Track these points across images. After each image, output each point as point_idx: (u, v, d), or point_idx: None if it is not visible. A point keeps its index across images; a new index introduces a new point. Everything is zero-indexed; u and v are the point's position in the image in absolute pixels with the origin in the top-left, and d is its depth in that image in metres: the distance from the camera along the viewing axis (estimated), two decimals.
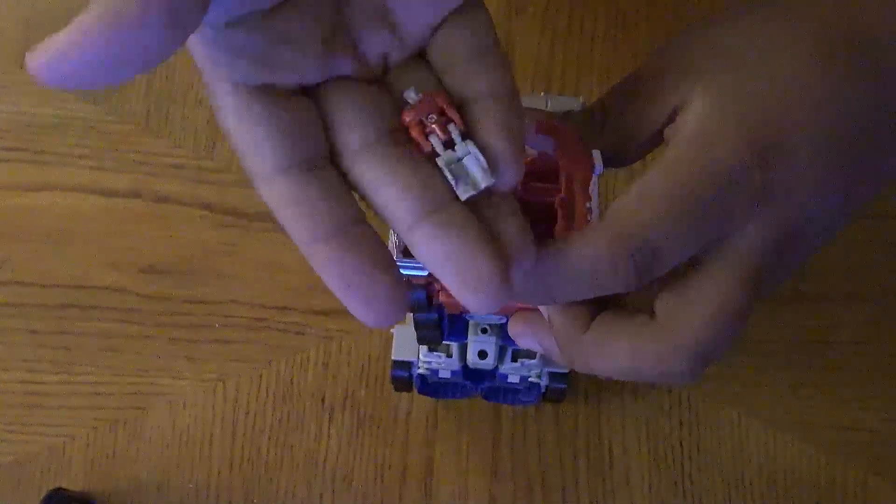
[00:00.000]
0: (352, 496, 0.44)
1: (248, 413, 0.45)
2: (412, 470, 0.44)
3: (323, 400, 0.45)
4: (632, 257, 0.25)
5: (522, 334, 0.33)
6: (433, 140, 0.24)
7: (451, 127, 0.24)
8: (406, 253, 0.25)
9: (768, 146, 0.26)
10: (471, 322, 0.37)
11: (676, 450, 0.44)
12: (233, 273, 0.47)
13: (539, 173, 0.29)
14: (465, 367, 0.39)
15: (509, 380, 0.40)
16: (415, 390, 0.42)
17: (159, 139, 0.49)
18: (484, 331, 0.37)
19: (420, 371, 0.40)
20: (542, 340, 0.32)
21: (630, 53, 0.50)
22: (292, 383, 0.45)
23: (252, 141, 0.23)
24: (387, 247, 0.24)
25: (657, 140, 0.29)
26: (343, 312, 0.46)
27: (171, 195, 0.47)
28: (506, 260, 0.23)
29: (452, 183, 0.23)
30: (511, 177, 0.24)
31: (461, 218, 0.23)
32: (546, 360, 0.38)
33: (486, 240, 0.23)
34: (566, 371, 0.40)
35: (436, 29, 0.25)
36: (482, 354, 0.38)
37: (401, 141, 0.24)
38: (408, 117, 0.24)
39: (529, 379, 0.40)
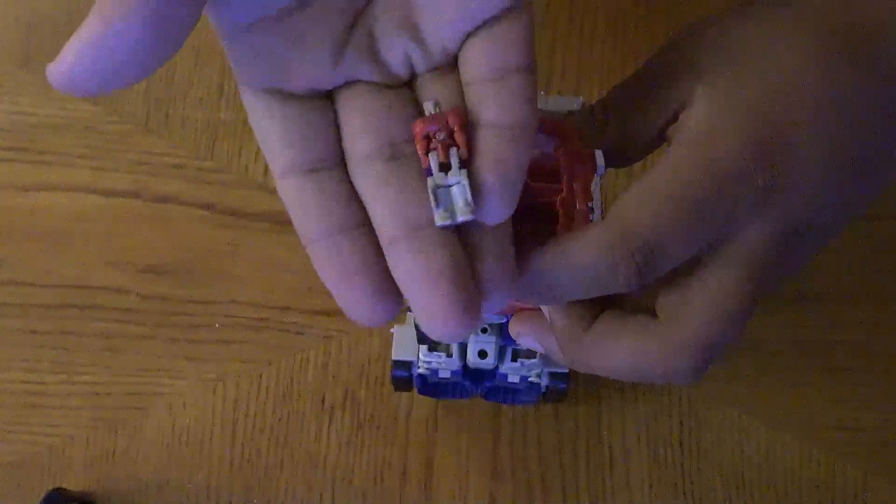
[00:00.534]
0: (352, 496, 0.44)
1: (248, 413, 0.45)
2: (412, 470, 0.44)
3: (323, 400, 0.45)
4: (633, 257, 0.25)
5: (523, 334, 0.33)
6: (432, 159, 0.24)
7: (453, 151, 0.24)
8: None
9: (771, 146, 0.26)
10: None
11: (676, 450, 0.44)
12: (233, 273, 0.47)
13: (541, 172, 0.29)
14: (465, 366, 0.39)
15: (509, 379, 0.40)
16: (415, 390, 0.42)
17: (159, 139, 0.49)
18: (484, 330, 0.37)
19: (420, 371, 0.40)
20: (544, 340, 0.32)
21: (630, 53, 0.50)
22: (292, 383, 0.45)
23: (267, 140, 0.24)
24: (377, 251, 0.24)
25: (660, 139, 0.29)
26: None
27: (171, 195, 0.47)
28: (471, 294, 0.23)
29: (433, 207, 0.23)
30: (495, 215, 0.24)
31: (434, 242, 0.23)
32: (546, 359, 0.38)
33: (455, 270, 0.23)
34: (566, 371, 0.40)
35: (467, 37, 0.24)
36: (482, 354, 0.38)
37: (404, 153, 0.24)
38: (417, 129, 0.24)
39: (529, 379, 0.40)
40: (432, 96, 0.25)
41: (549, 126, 0.28)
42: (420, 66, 0.25)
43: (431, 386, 0.42)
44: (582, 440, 0.44)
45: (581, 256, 0.26)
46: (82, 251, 0.47)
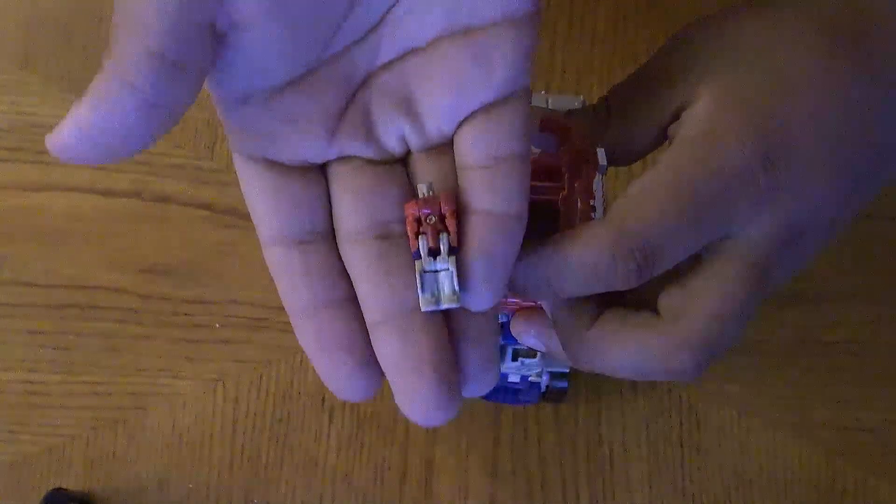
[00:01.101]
0: (352, 496, 0.44)
1: (248, 413, 0.45)
2: (412, 470, 0.44)
3: (323, 400, 0.45)
4: (632, 256, 0.25)
5: (526, 332, 0.33)
6: (421, 242, 0.23)
7: (443, 237, 0.23)
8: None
9: (773, 146, 0.26)
10: None
11: (676, 450, 0.44)
12: (233, 273, 0.47)
13: (543, 170, 0.29)
14: None
15: (510, 379, 0.40)
16: None
17: (159, 139, 0.49)
18: None
19: None
20: (546, 339, 0.32)
21: (630, 53, 0.50)
22: (292, 383, 0.45)
23: (256, 207, 0.24)
24: (362, 327, 0.24)
25: (661, 138, 0.29)
26: None
27: (171, 195, 0.47)
28: (454, 382, 0.23)
29: (419, 291, 0.23)
30: (480, 304, 0.24)
31: (419, 328, 0.23)
32: (546, 359, 0.38)
33: (438, 358, 0.23)
34: (567, 370, 0.40)
35: (464, 120, 0.24)
36: None
37: (394, 233, 0.24)
38: (408, 212, 0.24)
39: (530, 378, 0.40)
40: (426, 177, 0.25)
41: (552, 125, 0.28)
42: (415, 145, 0.25)
43: None
44: (582, 440, 0.44)
45: (581, 254, 0.26)
46: (82, 251, 0.47)
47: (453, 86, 0.24)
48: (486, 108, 0.24)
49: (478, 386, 0.24)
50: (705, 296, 0.26)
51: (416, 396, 0.23)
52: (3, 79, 0.49)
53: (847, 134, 0.26)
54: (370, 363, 0.24)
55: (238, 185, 0.23)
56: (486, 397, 0.42)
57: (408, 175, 0.25)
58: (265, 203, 0.24)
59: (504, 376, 0.40)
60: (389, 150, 0.25)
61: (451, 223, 0.23)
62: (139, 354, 0.46)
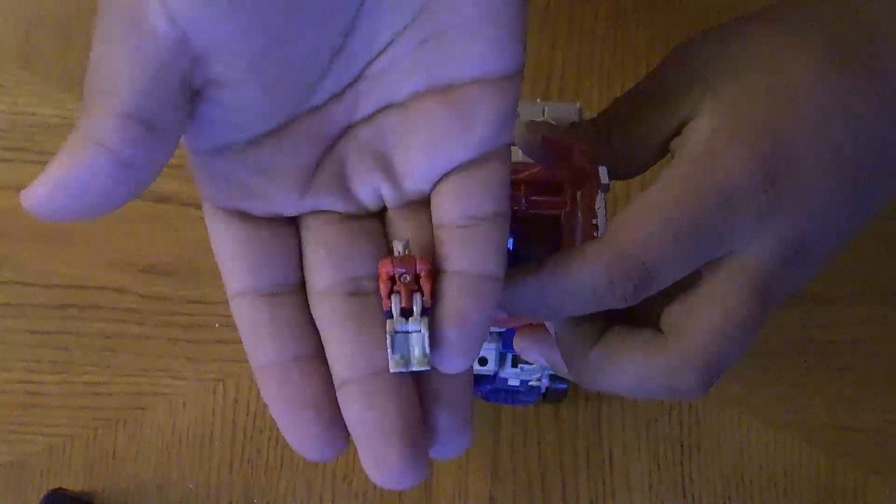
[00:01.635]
0: (352, 496, 0.44)
1: (248, 413, 0.45)
2: None
3: None
4: (629, 277, 0.25)
5: (529, 349, 0.32)
6: (394, 302, 0.23)
7: (416, 297, 0.23)
8: None
9: (776, 163, 0.25)
10: None
11: (676, 450, 0.44)
12: None
13: (543, 185, 0.29)
14: None
15: (510, 383, 0.40)
16: None
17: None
18: None
19: None
20: (549, 356, 0.32)
21: (630, 53, 0.50)
22: None
23: (224, 258, 0.24)
24: (329, 385, 0.23)
25: (663, 152, 0.28)
26: None
27: (171, 195, 0.47)
28: (421, 448, 0.23)
29: (389, 352, 0.23)
30: (453, 367, 0.23)
31: (388, 392, 0.23)
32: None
33: (406, 424, 0.22)
34: None
35: (441, 177, 0.24)
36: (482, 361, 0.37)
37: (366, 290, 0.24)
38: (382, 269, 0.23)
39: (530, 383, 0.40)
40: (402, 234, 0.24)
41: (553, 144, 0.28)
42: (391, 201, 0.24)
43: None
44: (582, 440, 0.44)
45: (578, 275, 0.26)
46: (82, 251, 0.47)
47: (431, 145, 0.23)
48: (465, 166, 0.24)
49: (449, 449, 0.24)
50: (708, 313, 0.26)
51: (381, 462, 0.22)
52: (3, 79, 0.49)
53: (850, 150, 0.26)
54: (337, 423, 0.23)
55: None
56: (487, 398, 0.42)
57: (383, 229, 0.25)
58: (235, 255, 0.24)
59: (503, 380, 0.40)
60: (364, 205, 0.24)
61: (425, 284, 0.23)
62: (139, 354, 0.46)
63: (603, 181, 0.27)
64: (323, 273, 0.24)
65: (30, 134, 0.48)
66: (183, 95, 0.21)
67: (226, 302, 0.49)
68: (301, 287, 0.24)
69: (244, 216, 0.24)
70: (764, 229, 0.26)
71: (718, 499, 0.44)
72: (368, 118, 0.24)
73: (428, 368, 0.23)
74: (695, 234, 0.25)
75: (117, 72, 0.20)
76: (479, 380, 0.40)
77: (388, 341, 0.23)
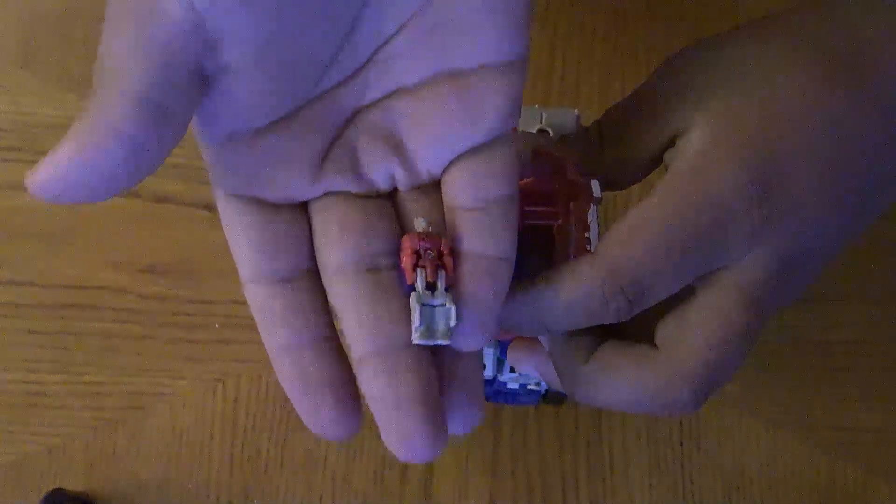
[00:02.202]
0: (352, 496, 0.44)
1: (248, 413, 0.45)
2: (412, 470, 0.44)
3: None
4: (622, 293, 0.25)
5: (522, 362, 0.32)
6: (419, 275, 0.23)
7: (441, 274, 0.23)
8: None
9: (768, 177, 0.25)
10: None
11: (676, 450, 0.44)
12: (233, 273, 0.46)
13: (536, 195, 0.29)
14: None
15: (508, 386, 0.40)
16: None
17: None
18: None
19: None
20: (542, 369, 0.32)
21: (630, 53, 0.50)
22: None
23: (237, 244, 0.24)
24: (344, 365, 0.24)
25: (655, 163, 0.28)
26: None
27: (171, 195, 0.47)
28: (441, 420, 0.23)
29: (415, 323, 0.23)
30: (469, 345, 0.24)
31: (408, 365, 0.23)
32: None
33: (426, 396, 0.23)
34: None
35: (452, 161, 0.25)
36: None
37: (379, 266, 0.24)
38: (407, 243, 0.24)
39: (529, 387, 0.40)
40: (417, 213, 0.25)
41: (546, 156, 0.28)
42: (403, 184, 0.25)
43: None
44: (582, 440, 0.44)
45: (571, 291, 0.26)
46: (82, 251, 0.47)
47: (443, 130, 0.24)
48: (474, 150, 0.24)
49: (462, 424, 0.24)
50: (702, 328, 0.26)
51: (403, 433, 0.23)
52: (3, 79, 0.49)
53: (842, 164, 0.26)
54: (352, 402, 0.24)
55: None
56: (487, 398, 0.42)
57: (393, 209, 0.25)
58: (248, 241, 0.24)
59: (503, 383, 0.40)
60: (375, 186, 0.25)
61: (448, 260, 0.23)
62: (139, 354, 0.46)
63: (595, 194, 0.27)
64: (337, 250, 0.24)
65: (30, 134, 0.48)
66: (195, 82, 0.21)
67: (226, 302, 0.49)
68: (314, 272, 0.25)
69: (257, 202, 0.24)
70: (757, 244, 0.25)
71: (718, 499, 0.44)
72: (378, 102, 0.24)
73: (449, 343, 0.23)
74: (688, 249, 0.25)
75: (131, 57, 0.20)
76: None
77: (416, 313, 0.23)
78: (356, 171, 0.24)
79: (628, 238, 0.25)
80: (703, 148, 0.26)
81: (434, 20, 0.23)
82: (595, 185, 0.27)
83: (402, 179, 0.25)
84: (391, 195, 0.25)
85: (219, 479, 0.44)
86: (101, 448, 0.45)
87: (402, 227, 0.25)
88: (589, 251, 0.27)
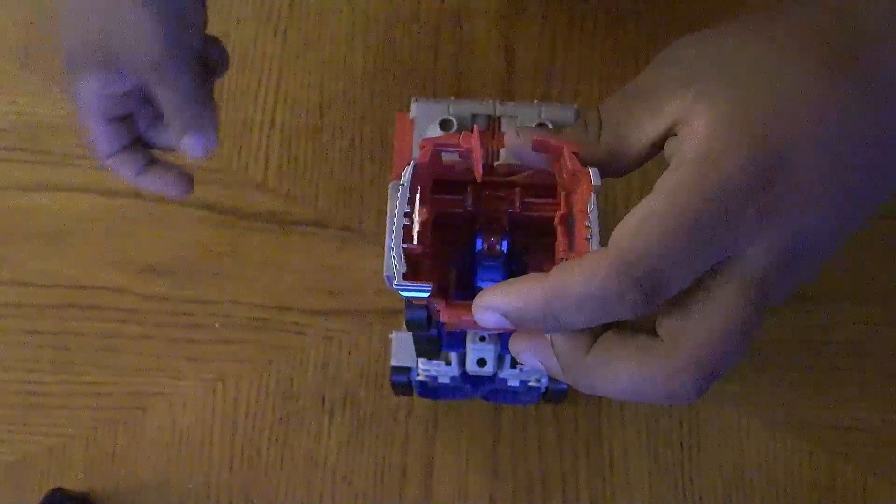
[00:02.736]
0: (352, 496, 0.44)
1: (248, 413, 0.45)
2: (412, 470, 0.44)
3: (323, 400, 0.45)
4: (639, 285, 0.25)
5: (524, 353, 0.32)
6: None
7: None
8: (407, 277, 0.25)
9: (772, 166, 0.25)
10: (469, 331, 0.37)
11: (676, 450, 0.44)
12: (233, 273, 0.47)
13: (538, 188, 0.29)
14: (464, 373, 0.39)
15: (509, 384, 0.40)
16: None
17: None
18: (482, 339, 0.37)
19: (419, 378, 0.40)
20: (545, 359, 0.31)
21: (630, 53, 0.50)
22: (292, 383, 0.45)
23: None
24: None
25: (654, 151, 0.28)
26: (343, 312, 0.46)
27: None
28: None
29: None
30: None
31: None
32: None
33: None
34: None
35: None
36: (481, 362, 0.37)
37: None
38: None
39: (529, 384, 0.40)
40: None
41: (545, 145, 0.28)
42: None
43: (431, 389, 0.42)
44: (582, 440, 0.44)
45: (586, 287, 0.25)
46: (82, 251, 0.47)
47: None
48: None
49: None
50: (705, 317, 0.26)
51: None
52: (3, 79, 0.49)
53: (845, 152, 0.26)
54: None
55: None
56: (487, 398, 0.42)
57: None
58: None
59: (504, 380, 0.40)
60: None
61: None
62: (139, 354, 0.46)
63: (594, 183, 0.27)
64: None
65: (30, 134, 0.48)
66: None
67: (226, 302, 0.49)
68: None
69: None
70: (761, 232, 0.25)
71: (718, 499, 0.44)
72: None
73: None
74: (701, 238, 0.25)
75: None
76: (478, 381, 0.40)
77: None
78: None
79: (641, 231, 0.25)
80: (707, 138, 0.26)
81: None
82: (595, 174, 0.27)
83: None
84: None
85: (219, 479, 0.44)
86: (101, 448, 0.45)
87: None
88: (589, 241, 0.27)
